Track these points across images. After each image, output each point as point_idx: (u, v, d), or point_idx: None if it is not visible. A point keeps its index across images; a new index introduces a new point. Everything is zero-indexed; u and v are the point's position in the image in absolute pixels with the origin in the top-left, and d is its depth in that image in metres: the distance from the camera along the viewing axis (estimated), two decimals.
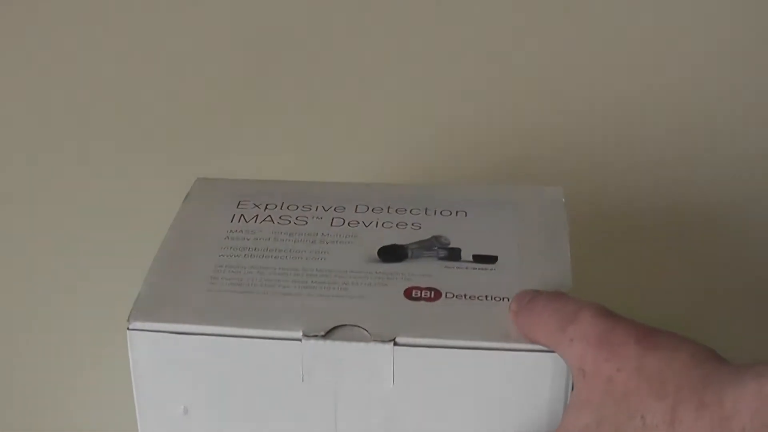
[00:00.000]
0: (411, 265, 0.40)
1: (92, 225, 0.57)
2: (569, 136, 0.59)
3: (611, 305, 0.49)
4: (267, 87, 0.65)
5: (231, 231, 0.43)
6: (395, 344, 0.36)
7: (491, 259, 0.41)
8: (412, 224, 0.43)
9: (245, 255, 0.41)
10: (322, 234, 0.42)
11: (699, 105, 0.62)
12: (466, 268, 0.40)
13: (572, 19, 0.70)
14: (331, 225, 0.43)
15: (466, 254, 0.41)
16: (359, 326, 0.37)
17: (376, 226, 0.43)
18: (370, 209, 0.44)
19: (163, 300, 0.39)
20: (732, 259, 0.52)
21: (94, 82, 0.66)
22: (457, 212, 0.44)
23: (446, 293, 0.39)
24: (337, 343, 0.37)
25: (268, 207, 0.45)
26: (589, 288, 0.49)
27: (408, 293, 0.39)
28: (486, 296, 0.38)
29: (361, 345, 0.37)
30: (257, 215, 0.44)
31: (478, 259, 0.41)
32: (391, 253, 0.41)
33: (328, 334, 0.37)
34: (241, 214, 0.44)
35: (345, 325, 0.37)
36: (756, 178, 0.56)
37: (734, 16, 0.67)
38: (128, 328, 0.38)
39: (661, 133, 0.60)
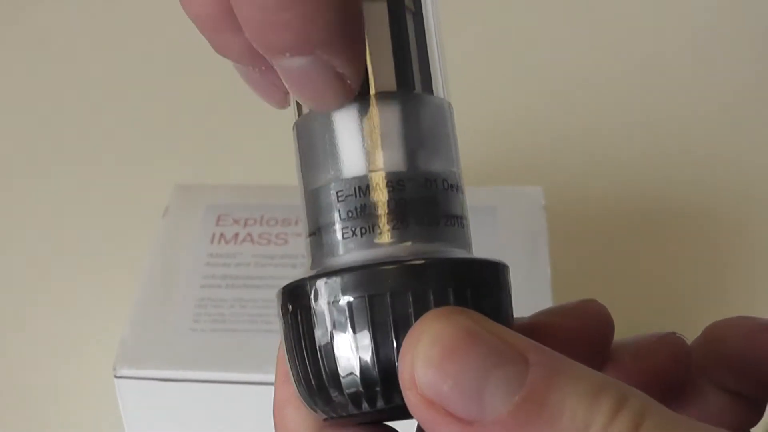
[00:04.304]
0: None
1: (83, 226, 0.57)
2: (552, 133, 0.59)
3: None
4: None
5: (211, 255, 0.43)
6: None
7: None
8: None
9: (227, 285, 0.41)
10: (302, 256, 0.42)
11: (686, 105, 0.61)
12: None
13: (555, 15, 0.69)
14: None
15: None
16: None
17: None
18: None
19: (147, 343, 0.39)
20: (718, 259, 0.52)
21: (87, 82, 0.66)
22: None
23: None
24: None
25: (247, 223, 0.44)
26: (571, 290, 0.50)
27: None
28: None
29: None
30: (237, 234, 0.44)
31: None
32: None
33: None
34: (221, 233, 0.44)
35: None
36: (747, 178, 0.56)
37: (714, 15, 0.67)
38: (115, 376, 0.38)
39: (646, 131, 0.60)
